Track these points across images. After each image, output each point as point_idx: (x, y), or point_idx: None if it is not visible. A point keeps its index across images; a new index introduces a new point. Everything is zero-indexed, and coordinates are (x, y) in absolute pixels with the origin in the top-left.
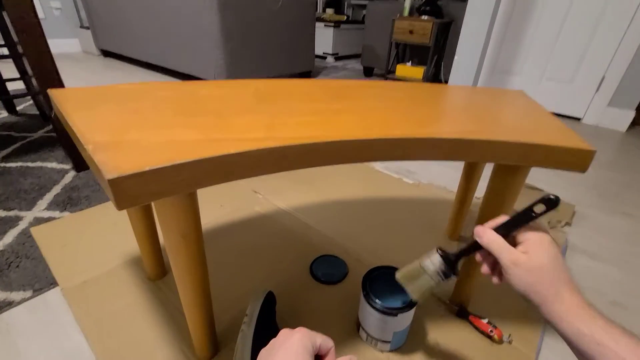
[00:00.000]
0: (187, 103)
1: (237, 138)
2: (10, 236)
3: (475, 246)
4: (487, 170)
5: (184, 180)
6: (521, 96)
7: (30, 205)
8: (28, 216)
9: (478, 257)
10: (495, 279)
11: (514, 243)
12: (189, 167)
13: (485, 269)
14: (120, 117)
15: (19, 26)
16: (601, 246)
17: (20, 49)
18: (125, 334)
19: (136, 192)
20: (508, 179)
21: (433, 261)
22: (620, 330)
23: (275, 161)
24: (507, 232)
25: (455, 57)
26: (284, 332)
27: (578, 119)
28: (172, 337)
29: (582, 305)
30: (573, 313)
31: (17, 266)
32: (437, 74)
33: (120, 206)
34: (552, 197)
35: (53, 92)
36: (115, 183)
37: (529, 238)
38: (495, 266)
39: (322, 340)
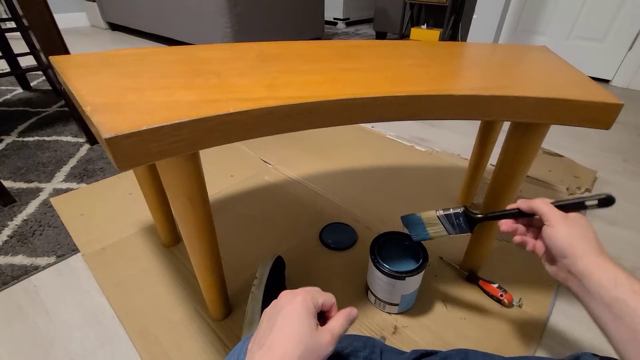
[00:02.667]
0: (188, 66)
1: (237, 98)
2: (33, 206)
3: (509, 214)
4: (503, 135)
5: (184, 140)
6: (543, 51)
7: (49, 178)
8: (48, 187)
9: (504, 226)
10: (530, 244)
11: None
12: (188, 127)
13: (518, 238)
14: (120, 80)
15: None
16: (623, 212)
17: (26, 22)
18: (144, 295)
19: (135, 152)
20: (525, 139)
21: (453, 214)
22: None
23: (277, 121)
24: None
25: (474, 16)
26: (284, 295)
27: (607, 81)
28: (187, 299)
29: (618, 264)
30: (612, 263)
31: (41, 234)
32: (454, 37)
33: (120, 166)
34: (609, 196)
35: (55, 59)
36: (113, 142)
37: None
38: (526, 234)
39: (324, 299)
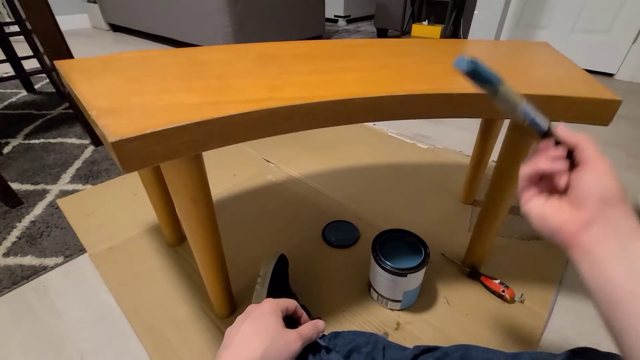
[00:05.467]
0: (189, 68)
1: (238, 100)
2: (40, 208)
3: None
4: (504, 132)
5: (187, 142)
6: (544, 48)
7: (55, 179)
8: (54, 189)
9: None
10: (562, 179)
11: None
12: (190, 129)
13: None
14: (123, 84)
15: (25, 2)
16: None
17: (29, 25)
18: (150, 294)
19: (140, 155)
20: (524, 137)
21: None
22: None
23: (278, 122)
24: None
25: (476, 12)
26: (251, 306)
27: (611, 75)
28: (192, 297)
29: None
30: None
31: (48, 235)
32: (455, 33)
33: (125, 168)
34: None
35: (59, 64)
36: (118, 146)
37: None
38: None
39: (289, 303)
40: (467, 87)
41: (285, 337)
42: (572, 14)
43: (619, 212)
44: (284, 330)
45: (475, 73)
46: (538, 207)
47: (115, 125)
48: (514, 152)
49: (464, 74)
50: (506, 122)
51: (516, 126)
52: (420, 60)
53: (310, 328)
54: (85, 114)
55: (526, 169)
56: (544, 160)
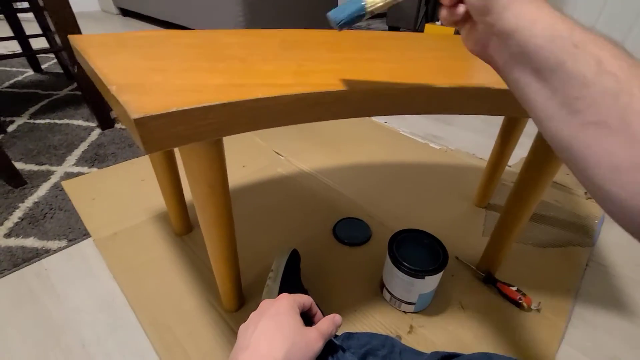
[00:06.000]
0: (210, 49)
1: (264, 83)
2: (44, 189)
3: None
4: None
5: (212, 124)
6: None
7: (60, 161)
8: (59, 171)
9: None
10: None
11: None
12: (216, 111)
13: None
14: (142, 61)
15: None
16: None
17: (40, 2)
18: (155, 283)
19: (163, 135)
20: None
21: None
22: (602, 37)
23: (306, 109)
24: None
25: None
26: (265, 302)
27: None
28: (199, 289)
29: (557, 9)
30: (548, 10)
31: (52, 217)
32: None
33: (147, 149)
34: None
35: (74, 38)
36: (141, 123)
37: None
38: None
39: (304, 299)
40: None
41: (306, 337)
42: (590, 21)
43: (516, 9)
44: (304, 329)
45: (346, 24)
46: (464, 41)
47: (137, 101)
48: (543, 158)
49: (340, 28)
50: (528, 128)
51: None
52: (446, 55)
53: (328, 324)
54: (102, 89)
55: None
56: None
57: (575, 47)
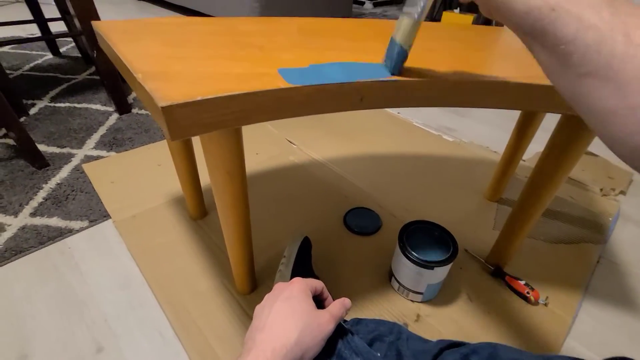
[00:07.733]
0: (229, 37)
1: None
2: (65, 171)
3: None
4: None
5: (235, 113)
6: None
7: (80, 144)
8: (79, 154)
9: None
10: None
11: None
12: (240, 100)
13: None
14: (164, 48)
15: None
16: None
17: None
18: (172, 265)
19: (188, 122)
20: (576, 134)
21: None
22: None
23: (328, 100)
24: None
25: None
26: (279, 285)
27: None
28: (214, 271)
29: None
30: None
31: (74, 199)
32: (488, 22)
33: (173, 136)
34: None
35: (97, 24)
36: (168, 111)
37: None
38: None
39: (316, 284)
40: (521, 76)
41: (318, 319)
42: None
43: None
44: (316, 312)
45: (396, 69)
46: (480, 8)
47: (164, 89)
48: (560, 153)
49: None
50: (545, 122)
51: (566, 124)
52: (467, 46)
53: (339, 306)
54: (126, 76)
55: None
56: None
57: (553, 10)
